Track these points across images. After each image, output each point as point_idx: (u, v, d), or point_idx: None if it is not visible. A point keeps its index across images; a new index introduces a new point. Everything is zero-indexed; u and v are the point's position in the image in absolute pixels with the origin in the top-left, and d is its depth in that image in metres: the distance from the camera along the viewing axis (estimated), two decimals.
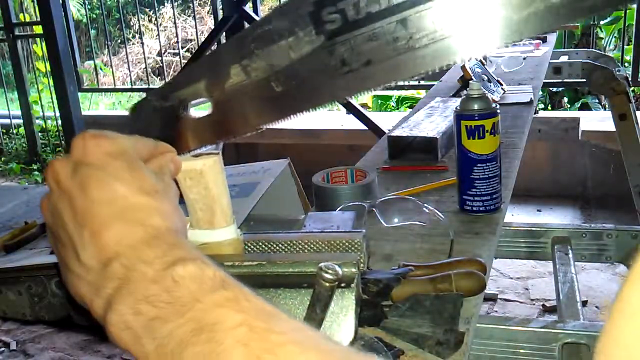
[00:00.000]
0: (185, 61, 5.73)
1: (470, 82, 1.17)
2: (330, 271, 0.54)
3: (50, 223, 0.49)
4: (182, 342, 0.39)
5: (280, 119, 0.54)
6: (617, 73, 2.51)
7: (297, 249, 0.67)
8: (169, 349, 0.39)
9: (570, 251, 1.70)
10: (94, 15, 8.35)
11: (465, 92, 1.13)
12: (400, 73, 0.48)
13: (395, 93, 5.42)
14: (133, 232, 0.45)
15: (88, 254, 0.45)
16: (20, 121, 5.24)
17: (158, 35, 6.09)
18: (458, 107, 1.08)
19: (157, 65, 7.84)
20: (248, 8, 4.13)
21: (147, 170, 0.49)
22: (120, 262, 0.43)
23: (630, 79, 3.04)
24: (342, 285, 0.57)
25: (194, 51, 5.59)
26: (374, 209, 1.08)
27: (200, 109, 0.57)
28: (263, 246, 0.69)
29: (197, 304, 0.40)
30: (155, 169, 0.51)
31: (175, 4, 6.50)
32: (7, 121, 5.43)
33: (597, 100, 5.04)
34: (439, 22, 0.46)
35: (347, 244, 0.68)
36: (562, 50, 3.21)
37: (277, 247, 0.68)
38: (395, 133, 1.46)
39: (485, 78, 1.89)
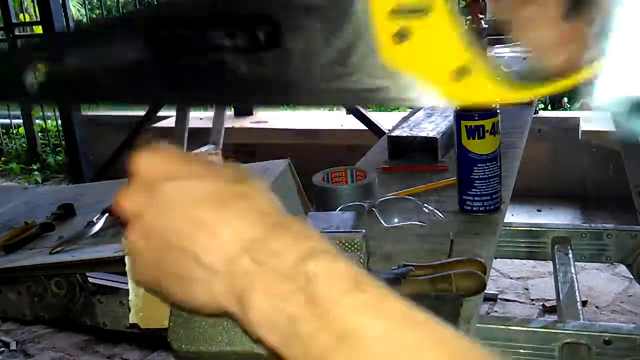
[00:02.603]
0: None
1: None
2: None
3: (147, 256, 0.46)
4: (326, 350, 0.37)
5: (97, 102, 0.59)
6: None
7: None
8: (313, 353, 0.38)
9: (570, 251, 1.69)
10: (94, 15, 8.35)
11: None
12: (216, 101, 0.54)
13: None
14: (251, 224, 0.42)
15: (210, 257, 0.42)
16: (20, 121, 5.24)
17: None
18: (458, 107, 1.08)
19: None
20: None
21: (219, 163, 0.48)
22: (248, 257, 0.41)
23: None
24: None
25: None
26: (374, 209, 1.08)
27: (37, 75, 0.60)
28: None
29: (335, 307, 0.38)
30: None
31: None
32: (7, 121, 5.43)
33: None
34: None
35: (347, 244, 0.68)
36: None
37: None
38: (395, 133, 1.46)
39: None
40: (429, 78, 0.47)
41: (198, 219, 0.43)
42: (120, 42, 0.53)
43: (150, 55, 0.52)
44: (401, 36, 0.46)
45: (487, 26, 2.14)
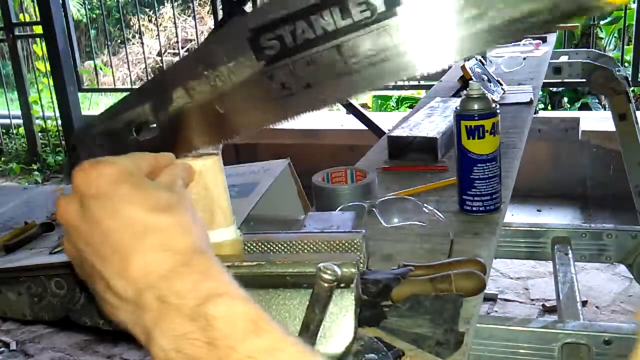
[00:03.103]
0: None
1: (470, 82, 1.17)
2: (329, 271, 0.54)
3: (77, 261, 0.48)
4: None
5: (223, 140, 0.56)
6: (617, 73, 2.51)
7: (297, 249, 0.67)
8: None
9: (570, 251, 1.69)
10: (94, 15, 8.34)
11: (465, 92, 1.13)
12: (341, 93, 0.50)
13: (395, 93, 5.41)
14: (160, 261, 0.44)
15: (119, 285, 0.44)
16: (20, 121, 5.24)
17: (158, 35, 6.09)
18: (458, 107, 1.08)
19: (157, 66, 7.84)
20: (248, 8, 4.13)
21: (156, 185, 0.48)
22: (152, 293, 0.43)
23: (630, 79, 3.04)
24: (342, 285, 0.57)
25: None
26: (373, 209, 1.08)
27: (147, 132, 0.57)
28: (263, 246, 0.69)
29: (233, 352, 0.40)
30: (164, 181, 0.50)
31: (175, 4, 6.50)
32: (7, 121, 5.43)
33: (597, 100, 5.04)
34: (374, 47, 0.48)
35: (346, 244, 0.68)
36: (562, 50, 3.20)
37: (277, 248, 0.67)
38: (395, 133, 1.46)
39: (485, 78, 1.89)
40: None
41: (114, 245, 0.44)
42: (226, 64, 0.51)
43: (261, 66, 0.50)
44: None
45: None
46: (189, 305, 0.42)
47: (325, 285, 0.54)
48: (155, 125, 0.56)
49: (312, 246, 0.67)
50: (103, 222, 0.44)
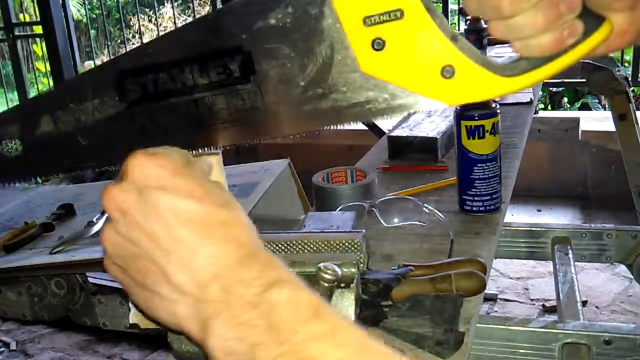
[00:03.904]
0: None
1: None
2: (329, 271, 0.54)
3: (119, 254, 0.46)
4: None
5: (83, 170, 0.59)
6: (617, 73, 2.51)
7: (297, 249, 0.67)
8: None
9: (570, 251, 1.69)
10: (94, 15, 8.34)
11: None
12: (196, 144, 0.54)
13: None
14: (227, 252, 0.43)
15: (181, 278, 0.43)
16: None
17: (158, 35, 6.09)
18: (458, 107, 1.08)
19: None
20: None
21: (210, 180, 0.48)
22: (218, 284, 0.42)
23: (630, 79, 3.03)
24: (342, 285, 0.57)
25: None
26: (374, 209, 1.08)
27: (9, 149, 0.59)
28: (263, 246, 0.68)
29: (295, 335, 0.39)
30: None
31: (175, 4, 6.50)
32: None
33: (597, 100, 5.04)
34: (228, 107, 0.52)
35: (346, 244, 0.68)
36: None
37: (277, 248, 0.68)
38: (395, 133, 1.46)
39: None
40: (415, 82, 0.46)
41: (179, 238, 0.44)
42: (91, 100, 0.54)
43: (123, 108, 0.53)
44: (378, 44, 0.45)
45: (486, 26, 2.13)
46: (253, 292, 0.41)
47: (326, 285, 0.54)
48: (19, 144, 0.58)
49: (312, 246, 0.67)
50: (166, 215, 0.44)
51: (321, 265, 0.54)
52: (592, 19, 0.44)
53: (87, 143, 0.54)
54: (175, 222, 0.44)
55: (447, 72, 0.45)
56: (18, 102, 5.17)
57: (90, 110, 0.53)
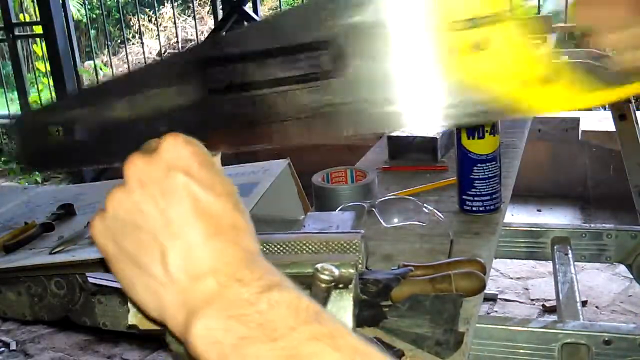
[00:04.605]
0: None
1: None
2: (326, 272, 0.54)
3: (122, 218, 0.45)
4: None
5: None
6: None
7: (296, 249, 0.67)
8: None
9: (570, 251, 1.69)
10: (94, 15, 8.34)
11: None
12: (284, 139, 0.52)
13: None
14: (232, 252, 0.43)
15: (178, 264, 0.43)
16: None
17: (158, 35, 6.09)
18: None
19: None
20: (248, 8, 4.13)
21: (230, 182, 0.47)
22: (216, 279, 0.42)
23: None
24: (340, 286, 0.57)
25: None
26: (373, 209, 1.08)
27: (75, 134, 0.58)
28: (262, 247, 0.68)
29: (293, 332, 0.39)
30: None
31: (175, 4, 6.50)
32: (7, 121, 5.43)
33: None
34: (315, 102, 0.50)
35: (345, 244, 0.68)
36: (562, 50, 3.20)
37: (276, 248, 0.67)
38: (395, 133, 1.46)
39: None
40: (506, 88, 0.45)
41: (190, 226, 0.43)
42: (173, 86, 0.52)
43: (205, 96, 0.51)
44: (476, 47, 0.44)
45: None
46: (252, 291, 0.41)
47: (323, 285, 0.54)
48: (84, 130, 0.57)
49: (310, 247, 0.67)
50: (185, 201, 0.44)
51: (318, 265, 0.54)
52: None
53: (166, 129, 0.51)
54: (191, 211, 0.44)
55: (544, 80, 0.45)
56: (18, 102, 5.17)
57: (171, 96, 0.52)
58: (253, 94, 0.50)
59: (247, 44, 0.50)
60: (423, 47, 0.45)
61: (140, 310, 0.46)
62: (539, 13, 3.71)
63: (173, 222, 0.44)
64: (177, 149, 0.45)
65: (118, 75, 0.67)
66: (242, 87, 0.50)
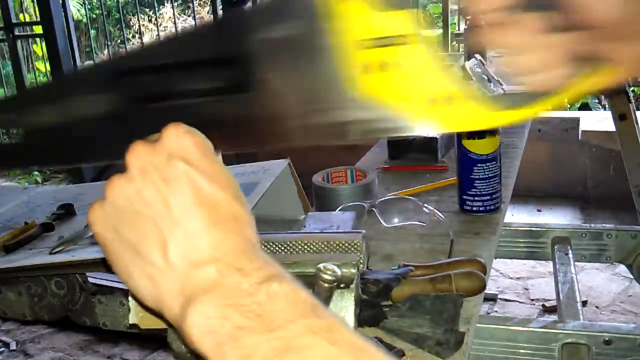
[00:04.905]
0: None
1: (470, 82, 1.17)
2: (328, 272, 0.54)
3: (122, 204, 0.45)
4: (265, 357, 0.38)
5: (81, 163, 0.61)
6: None
7: (297, 249, 0.67)
8: None
9: (570, 251, 1.69)
10: (94, 15, 8.34)
11: None
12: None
13: None
14: (232, 241, 0.43)
15: (177, 252, 0.43)
16: None
17: (158, 35, 6.09)
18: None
19: None
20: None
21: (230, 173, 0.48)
22: (216, 267, 0.42)
23: (630, 78, 3.03)
24: (341, 286, 0.57)
25: None
26: (373, 209, 1.08)
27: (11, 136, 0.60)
28: (262, 247, 0.69)
29: (290, 324, 0.39)
30: None
31: (175, 4, 6.50)
32: None
33: (597, 100, 5.04)
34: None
35: (346, 244, 0.68)
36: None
37: (277, 248, 0.67)
38: None
39: (485, 78, 1.88)
40: (411, 106, 0.47)
41: (191, 214, 0.43)
42: (89, 95, 0.54)
43: (120, 106, 0.53)
44: (380, 66, 0.46)
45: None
46: (251, 282, 0.41)
47: (325, 285, 0.54)
48: (21, 131, 0.60)
49: (311, 246, 0.67)
50: (186, 190, 0.44)
51: (321, 265, 0.54)
52: (595, 61, 0.45)
53: (83, 136, 0.54)
54: (192, 199, 0.44)
55: (445, 99, 0.47)
56: None
57: (88, 105, 0.54)
58: (173, 104, 0.52)
59: (161, 57, 0.52)
60: (334, 64, 0.47)
61: (137, 300, 0.46)
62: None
63: (174, 210, 0.44)
64: (179, 138, 0.45)
65: (49, 80, 0.70)
66: (156, 98, 0.52)
